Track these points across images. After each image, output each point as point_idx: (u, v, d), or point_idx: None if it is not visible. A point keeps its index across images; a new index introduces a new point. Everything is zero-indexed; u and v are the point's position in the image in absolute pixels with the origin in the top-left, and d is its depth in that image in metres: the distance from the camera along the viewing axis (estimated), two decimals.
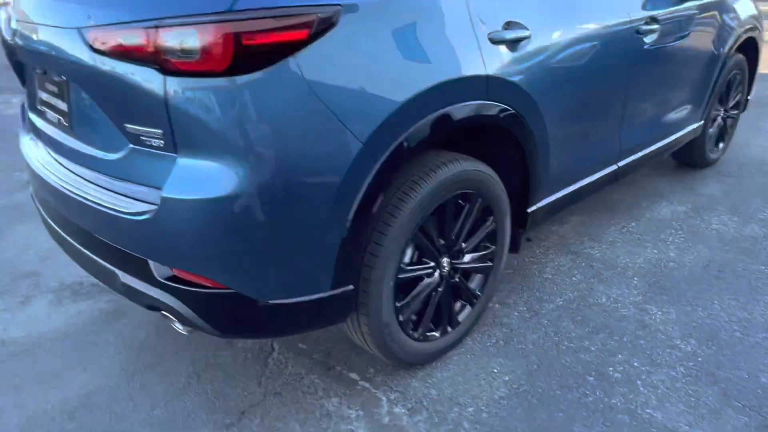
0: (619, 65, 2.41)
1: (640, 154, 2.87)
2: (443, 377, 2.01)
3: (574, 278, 2.60)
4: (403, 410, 1.87)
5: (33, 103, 1.98)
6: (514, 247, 2.33)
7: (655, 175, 3.79)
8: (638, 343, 2.15)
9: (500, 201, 2.05)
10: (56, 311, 2.41)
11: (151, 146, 1.44)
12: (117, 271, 1.65)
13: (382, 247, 1.67)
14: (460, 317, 2.11)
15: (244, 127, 1.35)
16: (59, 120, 1.76)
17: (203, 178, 1.39)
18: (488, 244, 2.13)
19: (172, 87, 1.33)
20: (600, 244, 2.90)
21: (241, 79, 1.32)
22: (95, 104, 1.53)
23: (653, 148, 2.96)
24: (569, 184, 2.42)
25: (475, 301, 2.15)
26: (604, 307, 2.38)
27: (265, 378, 2.03)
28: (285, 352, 2.14)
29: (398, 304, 1.82)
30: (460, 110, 1.70)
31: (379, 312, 1.74)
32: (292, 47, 1.36)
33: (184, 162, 1.41)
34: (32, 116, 2.00)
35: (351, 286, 1.65)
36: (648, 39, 2.53)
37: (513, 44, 1.86)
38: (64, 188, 1.70)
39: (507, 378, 1.99)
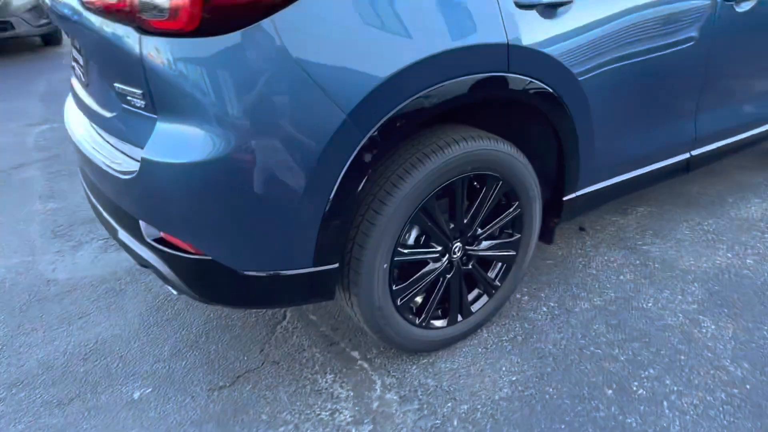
0: (697, 38, 2.06)
1: (725, 142, 2.49)
2: (446, 368, 1.89)
3: (621, 277, 2.34)
4: (395, 397, 1.79)
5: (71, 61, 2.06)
6: (547, 238, 2.12)
7: (753, 167, 3.30)
8: (677, 359, 1.89)
9: (527, 185, 1.85)
10: (101, 258, 2.57)
11: (135, 106, 1.44)
12: (117, 226, 1.69)
13: (375, 227, 1.57)
14: (475, 307, 1.97)
15: (215, 92, 1.29)
16: (80, 76, 1.81)
17: (178, 141, 1.37)
18: (512, 232, 1.95)
19: (147, 46, 1.30)
20: (663, 241, 2.58)
21: (211, 40, 1.26)
22: (95, 62, 1.55)
23: (743, 136, 2.56)
24: (621, 173, 2.15)
25: (493, 291, 1.99)
26: (647, 312, 2.12)
27: (268, 345, 2.03)
28: (294, 321, 2.13)
29: (395, 288, 1.71)
30: (468, 84, 1.52)
31: (370, 294, 1.65)
32: (269, 7, 1.27)
33: (162, 123, 1.39)
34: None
35: (336, 264, 1.57)
36: (742, 7, 2.14)
37: (550, 9, 1.64)
38: (84, 142, 1.76)
39: (514, 378, 1.84)
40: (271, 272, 1.50)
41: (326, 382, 1.86)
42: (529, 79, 1.65)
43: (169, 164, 1.37)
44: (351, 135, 1.39)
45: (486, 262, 1.97)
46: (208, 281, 1.53)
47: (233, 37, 1.26)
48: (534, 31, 1.61)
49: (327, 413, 1.74)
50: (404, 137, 1.60)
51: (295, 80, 1.31)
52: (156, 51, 1.30)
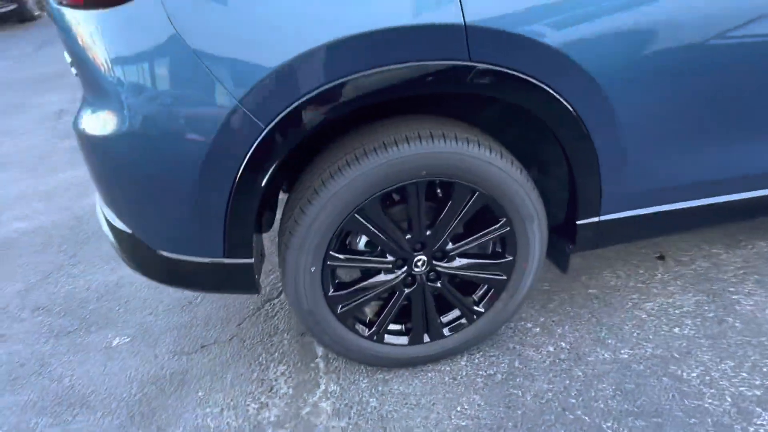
0: None
1: None
2: (397, 390, 1.68)
3: (677, 329, 1.81)
4: (328, 408, 1.65)
5: None
6: (562, 265, 1.73)
7: None
8: None
9: (516, 201, 1.50)
10: None
11: (77, 75, 1.47)
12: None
13: (300, 227, 1.42)
14: (449, 330, 1.70)
15: (105, 68, 1.25)
16: None
17: (89, 112, 1.37)
18: (504, 253, 1.62)
19: (59, 18, 1.30)
20: None
21: (100, 13, 1.21)
22: None
23: None
24: (680, 199, 1.62)
25: (474, 317, 1.70)
26: (684, 384, 1.62)
27: (248, 320, 2.02)
28: (283, 302, 2.08)
29: (332, 294, 1.55)
30: (401, 73, 1.25)
31: (297, 296, 1.52)
32: None
33: (85, 93, 1.40)
34: None
35: (250, 260, 1.46)
36: None
37: None
38: None
39: (463, 423, 1.56)
40: (183, 256, 1.46)
41: (275, 373, 1.79)
42: (507, 70, 1.30)
43: (83, 133, 1.39)
44: (247, 124, 1.25)
45: (467, 283, 1.67)
46: (135, 254, 1.54)
47: (118, 11, 1.19)
48: (514, 9, 1.25)
49: (256, 406, 1.68)
50: (339, 131, 1.41)
51: (182, 60, 1.20)
52: (66, 22, 1.29)
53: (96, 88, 1.32)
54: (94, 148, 1.38)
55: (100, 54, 1.25)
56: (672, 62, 1.37)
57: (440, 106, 1.57)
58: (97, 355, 1.90)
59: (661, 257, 2.16)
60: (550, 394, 1.63)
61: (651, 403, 1.57)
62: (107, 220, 1.57)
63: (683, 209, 1.65)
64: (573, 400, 1.60)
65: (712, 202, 1.65)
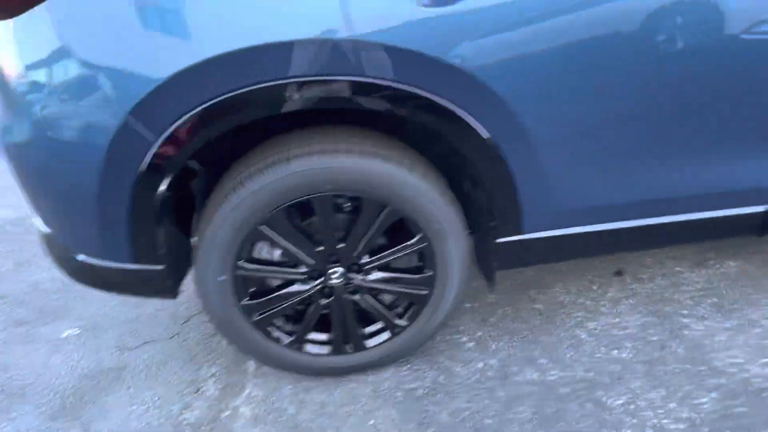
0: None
1: None
2: (317, 399, 1.68)
3: (615, 352, 1.74)
4: (248, 413, 1.67)
5: None
6: (489, 282, 1.68)
7: None
8: None
9: (428, 217, 1.46)
10: None
11: None
12: None
13: (205, 237, 1.43)
14: (370, 342, 1.69)
15: (11, 76, 1.28)
16: None
17: (3, 119, 1.40)
18: (424, 268, 1.59)
19: None
20: (723, 319, 1.83)
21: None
22: None
23: None
24: (610, 219, 1.55)
25: (397, 330, 1.67)
26: (606, 411, 1.56)
27: (196, 318, 2.06)
28: None
29: (246, 302, 1.55)
30: (294, 88, 1.23)
31: (208, 303, 1.53)
32: None
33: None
34: None
35: (160, 266, 1.48)
36: None
37: None
38: None
39: None
40: (96, 261, 1.49)
41: (206, 374, 1.82)
42: (406, 88, 1.26)
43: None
44: (138, 136, 1.26)
45: (392, 296, 1.65)
46: (56, 254, 1.59)
47: (12, 22, 1.22)
48: (407, 22, 1.21)
49: (179, 406, 1.71)
50: (247, 144, 1.41)
51: (72, 72, 1.22)
52: None
53: (5, 96, 1.35)
54: (8, 153, 1.42)
55: (3, 63, 1.28)
56: (582, 80, 1.31)
57: (368, 118, 1.54)
58: (46, 347, 1.98)
59: (619, 273, 2.07)
60: (466, 413, 1.60)
61: (567, 429, 1.52)
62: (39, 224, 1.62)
63: (617, 229, 1.58)
64: (488, 421, 1.56)
65: (649, 223, 1.57)
